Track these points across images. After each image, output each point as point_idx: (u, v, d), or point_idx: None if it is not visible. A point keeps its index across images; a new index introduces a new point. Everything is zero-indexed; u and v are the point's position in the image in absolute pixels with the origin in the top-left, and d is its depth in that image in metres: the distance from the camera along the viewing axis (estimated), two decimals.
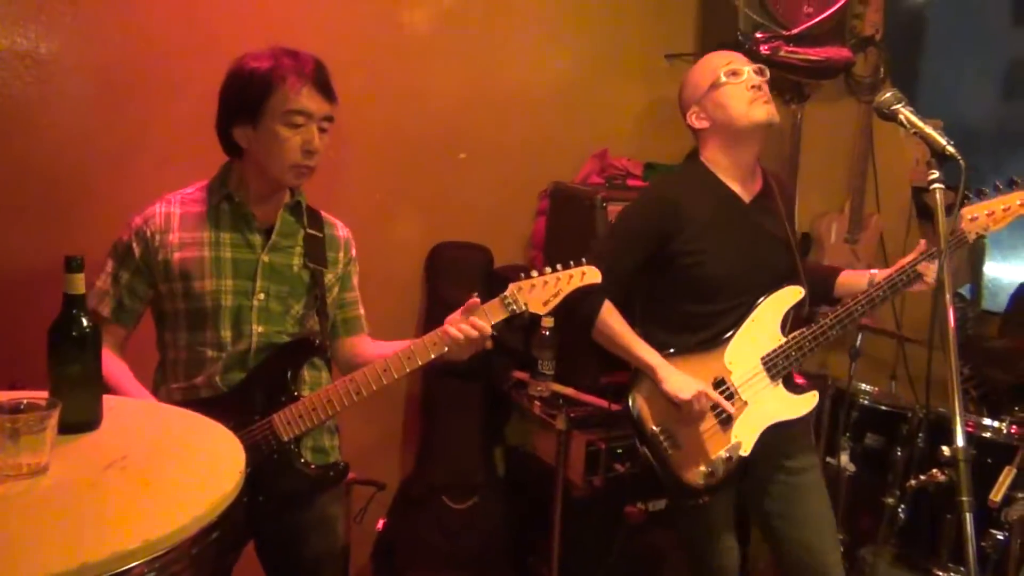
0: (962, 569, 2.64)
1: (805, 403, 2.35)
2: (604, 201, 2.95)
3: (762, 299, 2.34)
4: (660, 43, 3.58)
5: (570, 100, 3.49)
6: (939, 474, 2.12)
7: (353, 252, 2.21)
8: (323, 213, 2.17)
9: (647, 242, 2.31)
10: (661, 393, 2.26)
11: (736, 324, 2.33)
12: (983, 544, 2.84)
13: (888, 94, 1.93)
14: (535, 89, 3.44)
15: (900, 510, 3.05)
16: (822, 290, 2.50)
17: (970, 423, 3.14)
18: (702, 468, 2.27)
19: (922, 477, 2.25)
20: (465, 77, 3.31)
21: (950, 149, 1.79)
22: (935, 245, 1.87)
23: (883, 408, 3.30)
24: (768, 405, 2.32)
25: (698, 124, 2.37)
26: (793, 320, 2.37)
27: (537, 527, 3.06)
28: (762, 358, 2.32)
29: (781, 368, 2.32)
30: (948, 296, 1.69)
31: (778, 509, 2.42)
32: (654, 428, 2.29)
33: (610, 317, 2.31)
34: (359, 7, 3.09)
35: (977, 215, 2.32)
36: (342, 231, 2.20)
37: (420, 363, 1.99)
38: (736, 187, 2.36)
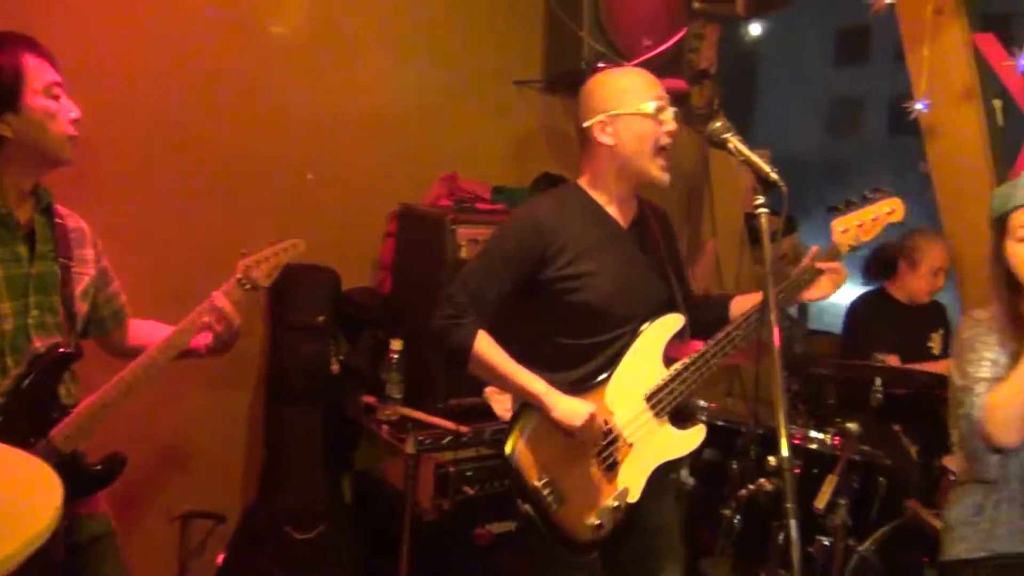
0: (782, 572, 2.76)
1: (693, 438, 2.22)
2: (453, 224, 2.96)
3: (640, 331, 2.18)
4: (509, 70, 3.66)
5: (420, 123, 3.51)
6: (767, 483, 2.20)
7: (99, 242, 2.12)
8: (56, 206, 2.05)
9: (521, 265, 2.11)
10: (550, 423, 2.07)
11: (615, 359, 2.16)
12: (810, 550, 2.99)
13: (719, 123, 2.01)
14: (384, 111, 3.43)
15: (736, 521, 3.17)
16: (717, 319, 2.33)
17: (798, 435, 3.32)
18: (590, 521, 2.08)
19: (751, 487, 2.33)
20: (312, 97, 3.26)
21: (773, 176, 1.88)
22: (770, 267, 1.90)
23: (719, 424, 3.45)
24: (655, 444, 2.17)
25: (601, 137, 2.14)
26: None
27: (386, 553, 3.00)
28: (646, 396, 2.16)
29: (666, 404, 2.17)
30: (773, 316, 1.76)
31: (632, 565, 2.28)
32: (536, 483, 2.07)
33: (486, 346, 2.10)
34: (208, 18, 3.01)
35: (847, 227, 2.27)
36: (82, 222, 2.08)
37: (178, 348, 2.00)
38: (614, 211, 2.21)
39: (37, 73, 1.87)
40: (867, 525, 3.12)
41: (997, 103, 3.59)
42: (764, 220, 1.86)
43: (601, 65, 3.27)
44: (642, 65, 3.34)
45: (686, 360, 2.19)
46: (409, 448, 2.80)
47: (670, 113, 2.16)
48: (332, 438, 3.20)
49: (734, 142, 1.96)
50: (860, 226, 2.27)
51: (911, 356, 3.54)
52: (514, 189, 3.48)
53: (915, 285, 3.68)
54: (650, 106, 2.12)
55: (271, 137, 3.17)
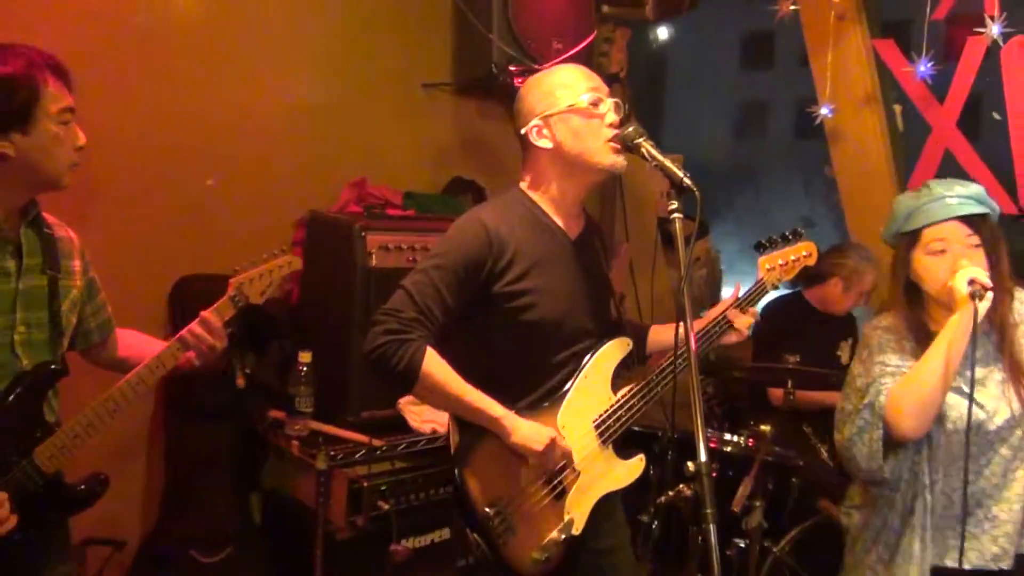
0: None
1: (634, 469, 2.17)
2: (363, 231, 2.87)
3: (591, 354, 2.11)
4: (417, 72, 3.59)
5: (327, 127, 3.41)
6: (686, 489, 2.18)
7: (86, 253, 2.07)
8: (44, 214, 2.01)
9: (470, 278, 1.97)
10: (503, 447, 1.97)
11: (567, 381, 2.08)
12: (727, 552, 3.02)
13: (631, 128, 1.99)
14: (289, 114, 3.32)
15: (654, 526, 3.18)
16: (634, 348, 2.30)
17: (713, 439, 3.34)
18: (535, 554, 1.98)
19: (670, 493, 2.31)
20: (215, 99, 3.14)
21: (687, 181, 1.86)
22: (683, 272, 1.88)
23: (636, 429, 3.44)
24: (600, 474, 2.10)
25: (538, 142, 2.03)
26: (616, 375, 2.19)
27: (298, 573, 2.90)
28: (594, 421, 2.09)
29: (613, 432, 2.11)
30: (690, 322, 1.74)
31: None
32: (487, 510, 1.96)
33: (436, 366, 1.93)
34: (96, 15, 2.87)
35: (772, 266, 2.35)
36: (70, 232, 2.04)
37: (168, 368, 2.00)
38: (562, 222, 2.10)
39: (54, 96, 1.83)
40: (781, 526, 3.16)
41: (897, 108, 3.71)
42: (678, 226, 1.85)
43: (512, 68, 3.24)
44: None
45: (633, 387, 2.14)
46: (320, 464, 2.71)
47: (608, 104, 2.04)
48: (239, 456, 3.07)
49: (647, 147, 1.95)
50: (783, 266, 2.36)
51: (819, 363, 3.57)
52: (425, 195, 3.42)
53: (841, 302, 3.73)
54: (584, 99, 2.02)
55: (168, 141, 3.03)
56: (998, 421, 2.09)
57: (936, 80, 3.46)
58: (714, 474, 3.11)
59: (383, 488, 2.80)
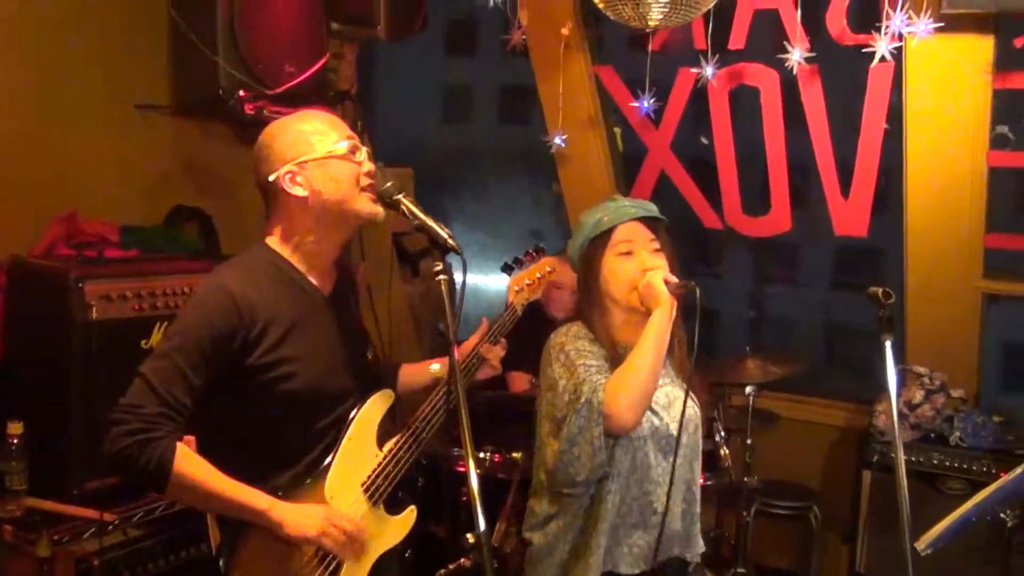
0: None
1: (406, 523, 2.13)
2: (80, 280, 2.54)
3: (354, 412, 2.02)
4: (130, 92, 3.22)
5: (22, 153, 2.96)
6: (466, 561, 2.18)
7: None
8: None
9: (218, 353, 1.82)
10: (272, 536, 1.85)
11: (332, 448, 1.98)
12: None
13: (389, 183, 1.96)
14: None
15: (407, 554, 3.15)
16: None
17: (462, 463, 3.35)
18: None
19: (451, 567, 2.29)
20: None
21: (451, 243, 1.86)
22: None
23: None
24: (373, 535, 2.02)
25: (292, 189, 1.92)
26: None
27: None
28: (363, 484, 2.01)
29: (383, 490, 2.04)
30: (458, 381, 1.75)
31: None
32: None
33: (189, 463, 1.79)
34: None
35: (521, 287, 2.37)
36: None
37: None
38: (315, 279, 2.01)
39: None
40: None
41: (617, 130, 3.94)
42: (444, 287, 1.86)
43: (242, 93, 3.02)
44: (288, 92, 3.18)
45: (399, 440, 2.08)
46: (42, 551, 2.40)
47: (364, 153, 2.00)
48: None
49: (407, 204, 1.92)
50: (530, 285, 2.41)
51: None
52: (147, 229, 3.10)
53: (559, 299, 3.89)
54: (342, 146, 1.95)
55: None
56: (672, 428, 2.19)
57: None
58: (464, 498, 3.14)
59: (116, 563, 2.53)
